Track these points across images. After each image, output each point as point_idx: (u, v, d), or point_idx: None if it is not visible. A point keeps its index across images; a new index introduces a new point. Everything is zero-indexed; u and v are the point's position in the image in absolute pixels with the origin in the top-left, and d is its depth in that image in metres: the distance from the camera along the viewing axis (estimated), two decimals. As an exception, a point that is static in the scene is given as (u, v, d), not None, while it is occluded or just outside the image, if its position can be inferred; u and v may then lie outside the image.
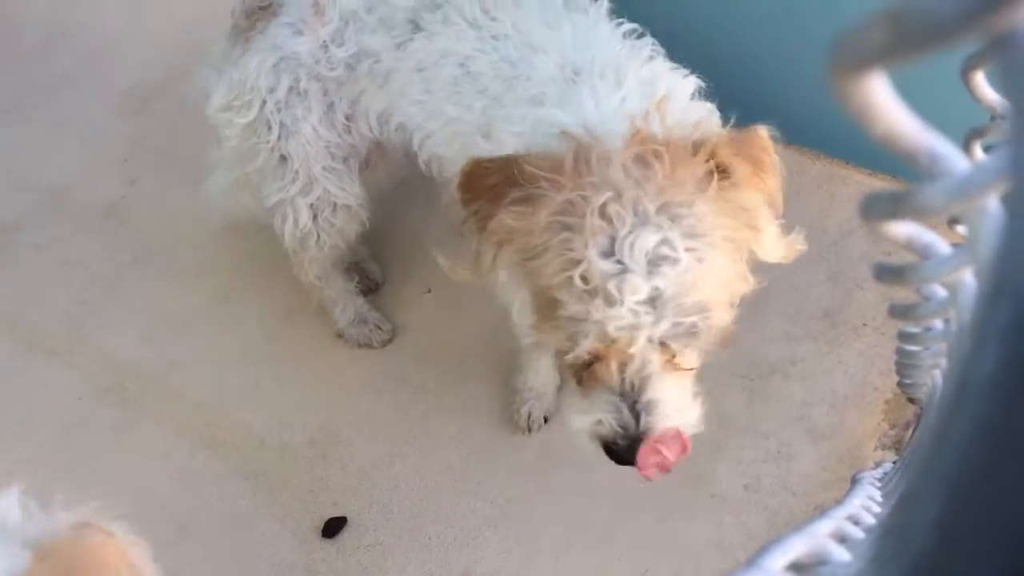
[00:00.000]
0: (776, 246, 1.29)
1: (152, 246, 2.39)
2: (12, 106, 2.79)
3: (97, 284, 2.33)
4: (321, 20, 1.68)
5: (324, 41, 1.67)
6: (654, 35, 1.51)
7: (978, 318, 0.37)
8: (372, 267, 2.26)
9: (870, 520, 1.14)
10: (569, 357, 1.24)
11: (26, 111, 2.77)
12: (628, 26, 1.53)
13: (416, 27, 1.63)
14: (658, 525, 1.82)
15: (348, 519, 1.89)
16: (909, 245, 0.60)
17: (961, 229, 0.88)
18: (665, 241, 1.14)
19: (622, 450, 1.28)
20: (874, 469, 1.67)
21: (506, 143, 1.47)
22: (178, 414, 2.08)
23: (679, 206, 1.15)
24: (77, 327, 2.25)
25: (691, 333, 1.19)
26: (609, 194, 1.15)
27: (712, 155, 1.18)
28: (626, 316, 1.15)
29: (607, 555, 1.82)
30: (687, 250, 1.15)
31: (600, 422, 1.27)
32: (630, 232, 1.13)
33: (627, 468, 1.79)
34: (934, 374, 1.15)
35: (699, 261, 1.16)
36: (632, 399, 1.24)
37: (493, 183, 1.26)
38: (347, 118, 1.74)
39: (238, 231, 2.19)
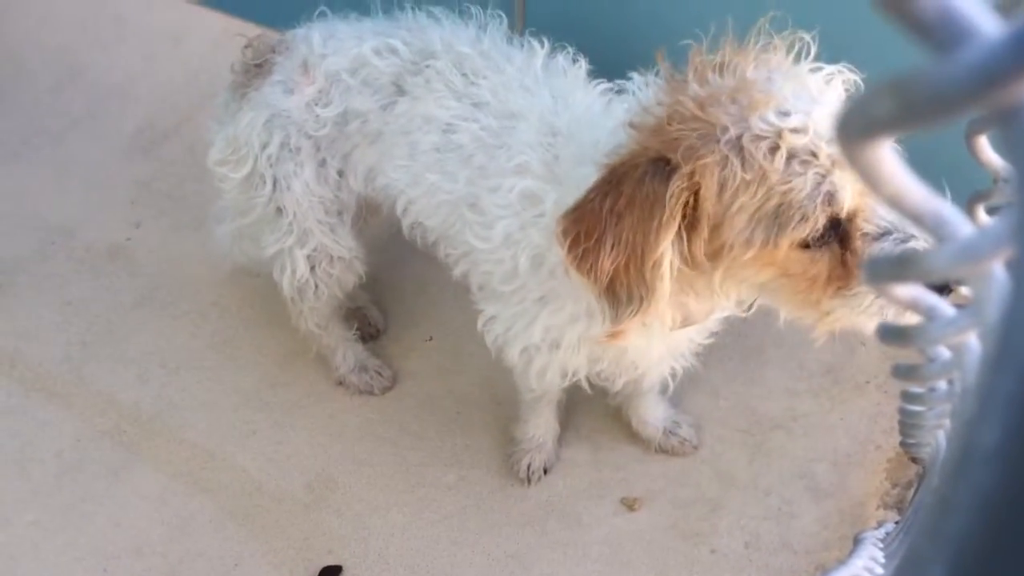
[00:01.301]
0: None
1: (154, 289, 2.39)
2: (21, 146, 2.82)
3: (98, 325, 2.33)
4: (308, 79, 1.70)
5: (309, 100, 1.69)
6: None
7: (983, 385, 0.37)
8: (374, 313, 2.27)
9: (873, 582, 1.13)
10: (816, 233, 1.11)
11: (34, 151, 2.80)
12: (605, 85, 1.52)
13: (400, 90, 1.65)
14: (657, 581, 1.80)
15: (343, 568, 1.87)
16: (913, 307, 0.60)
17: (965, 290, 0.89)
18: (804, 84, 1.10)
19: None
20: (876, 529, 1.66)
21: (495, 215, 1.48)
22: (175, 458, 2.06)
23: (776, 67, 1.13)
24: (77, 368, 2.24)
25: None
26: (724, 93, 1.10)
27: None
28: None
29: (605, 611, 1.80)
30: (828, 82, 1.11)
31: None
32: (772, 84, 1.09)
33: (624, 523, 1.78)
34: (937, 434, 1.14)
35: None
36: (898, 241, 1.09)
37: (601, 213, 1.15)
38: (339, 173, 1.76)
39: (240, 276, 2.20)
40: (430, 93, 1.60)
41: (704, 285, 1.23)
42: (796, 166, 1.06)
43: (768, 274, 1.17)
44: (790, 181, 1.06)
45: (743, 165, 1.07)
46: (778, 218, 1.09)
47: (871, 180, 0.40)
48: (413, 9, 1.73)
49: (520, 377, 1.73)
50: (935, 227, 0.45)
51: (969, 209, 0.92)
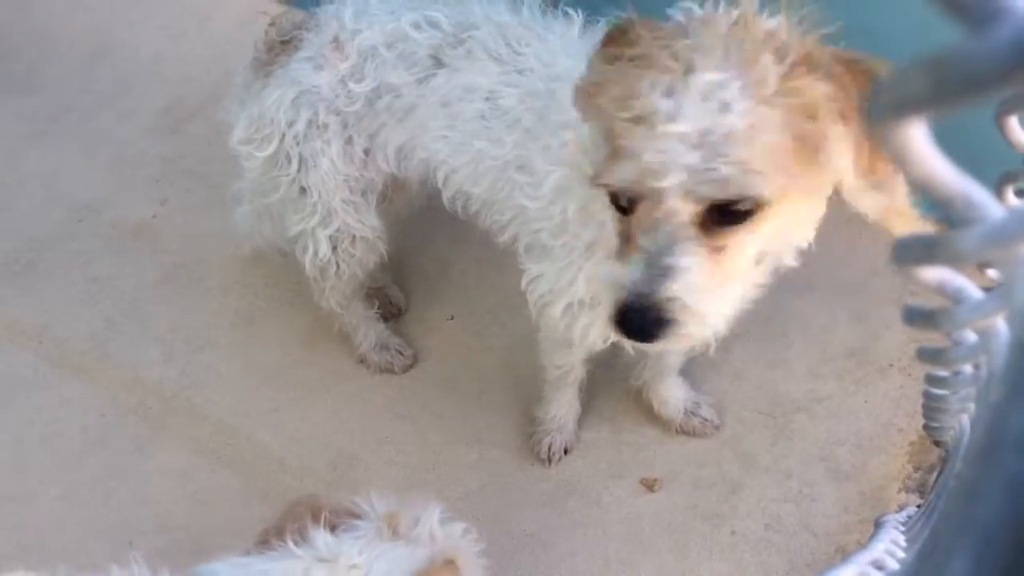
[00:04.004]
0: (861, 187, 1.17)
1: (179, 266, 2.41)
2: (49, 124, 2.84)
3: (124, 302, 2.35)
4: (341, 55, 1.70)
5: (343, 76, 1.69)
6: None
7: (1011, 369, 0.36)
8: (395, 293, 2.27)
9: (894, 566, 1.13)
10: (611, 192, 1.18)
11: (62, 129, 2.82)
12: None
13: (438, 63, 1.64)
14: (677, 563, 1.80)
15: (364, 545, 1.89)
16: (941, 290, 0.60)
17: (992, 273, 0.88)
18: (723, 85, 1.08)
19: (631, 314, 1.17)
20: (898, 512, 1.65)
21: (545, 172, 1.49)
22: (199, 434, 2.08)
23: (751, 63, 1.09)
24: (102, 344, 2.27)
25: (727, 186, 1.09)
26: (688, 42, 1.11)
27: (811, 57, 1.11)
28: (665, 147, 1.09)
29: (624, 591, 1.81)
30: (744, 100, 1.07)
31: (619, 287, 1.18)
32: (692, 71, 1.09)
33: (644, 504, 1.78)
34: (961, 419, 1.13)
35: (753, 121, 1.07)
36: (657, 263, 1.15)
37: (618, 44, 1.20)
38: (365, 152, 1.75)
39: (264, 254, 2.21)
40: (472, 63, 1.60)
41: None
42: (635, 124, 1.12)
43: None
44: (629, 134, 1.12)
45: (622, 89, 1.14)
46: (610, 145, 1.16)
47: (902, 160, 0.39)
48: None
49: (556, 345, 1.73)
50: (965, 209, 0.45)
51: (998, 191, 0.91)
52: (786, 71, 1.08)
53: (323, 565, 1.15)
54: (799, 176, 1.12)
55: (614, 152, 1.15)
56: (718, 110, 1.07)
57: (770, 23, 1.14)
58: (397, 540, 1.21)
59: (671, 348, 1.18)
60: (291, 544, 1.18)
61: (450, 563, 1.22)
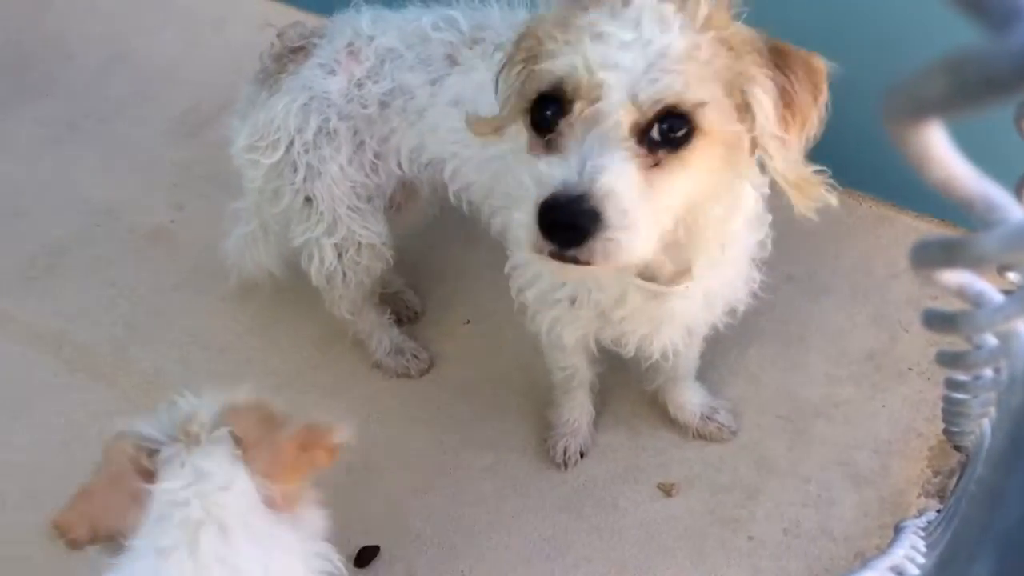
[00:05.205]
0: (775, 146, 1.19)
1: (196, 271, 2.42)
2: (67, 130, 2.86)
3: (141, 307, 2.36)
4: (356, 60, 1.71)
5: (359, 78, 1.70)
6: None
7: (1035, 373, 0.36)
8: (411, 297, 2.27)
9: (914, 571, 1.12)
10: (539, 95, 1.17)
11: (81, 135, 2.84)
12: None
13: (453, 62, 1.66)
14: (694, 568, 1.79)
15: (381, 548, 1.88)
16: (961, 293, 0.59)
17: (1013, 276, 0.87)
18: (661, 10, 1.12)
19: (559, 206, 1.09)
20: (918, 517, 1.64)
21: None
22: (216, 438, 2.09)
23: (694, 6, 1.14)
24: (121, 349, 2.28)
25: (666, 93, 1.10)
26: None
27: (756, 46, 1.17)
28: (609, 47, 1.10)
29: (641, 596, 1.80)
30: (680, 23, 1.12)
31: (544, 184, 1.11)
32: (631, 2, 1.13)
33: (661, 509, 1.77)
34: (982, 423, 1.12)
35: (690, 42, 1.11)
36: (586, 162, 1.09)
37: None
38: (375, 156, 1.76)
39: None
40: (487, 60, 1.61)
41: None
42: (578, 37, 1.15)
43: None
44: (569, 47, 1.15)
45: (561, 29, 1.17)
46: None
47: (921, 163, 0.39)
48: None
49: (550, 344, 1.73)
50: (985, 211, 0.44)
51: (1018, 193, 0.90)
52: (715, 10, 1.14)
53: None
54: (727, 113, 1.15)
55: (550, 54, 1.15)
56: (659, 29, 1.11)
57: None
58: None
59: (599, 264, 1.10)
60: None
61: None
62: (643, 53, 1.10)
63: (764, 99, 1.16)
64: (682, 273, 1.40)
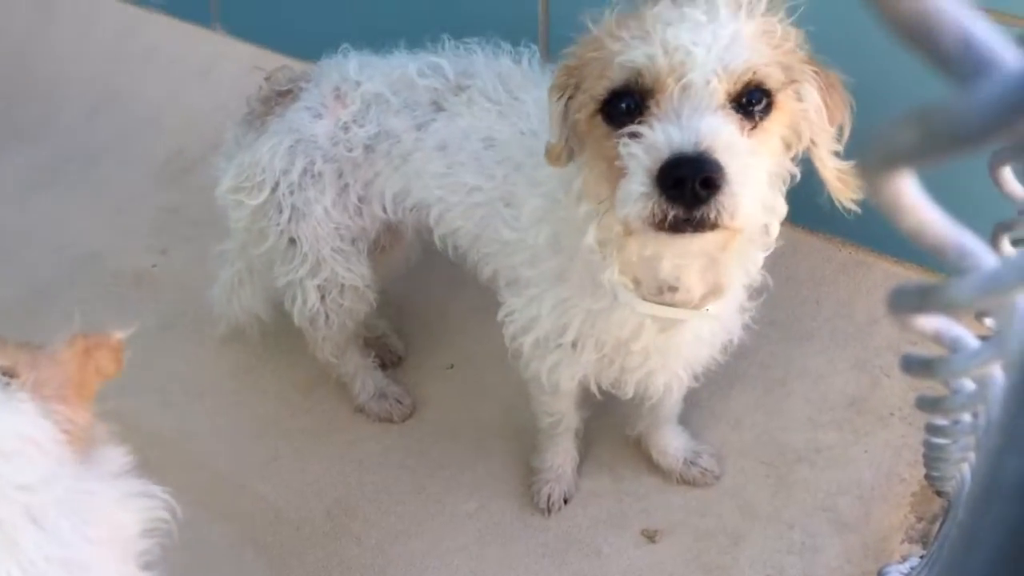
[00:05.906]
0: (828, 139, 1.25)
1: (178, 315, 2.41)
2: (52, 174, 2.86)
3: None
4: (342, 104, 1.73)
5: (345, 122, 1.72)
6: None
7: (1007, 417, 0.36)
8: (394, 341, 2.27)
9: (897, 618, 1.11)
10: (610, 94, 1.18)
11: (66, 178, 2.84)
12: None
13: (438, 108, 1.69)
14: (678, 614, 1.78)
15: (362, 597, 1.86)
16: (937, 338, 0.60)
17: (989, 322, 0.88)
18: (716, 5, 1.15)
19: (677, 166, 1.07)
20: (901, 563, 1.63)
21: (525, 197, 1.51)
22: (195, 484, 2.06)
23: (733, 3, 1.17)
24: (101, 392, 2.25)
25: (750, 71, 1.13)
26: None
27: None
28: (686, 35, 1.11)
29: (625, 644, 1.78)
30: (750, 15, 1.16)
31: (654, 151, 1.09)
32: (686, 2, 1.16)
33: (645, 555, 1.76)
34: (962, 468, 1.13)
35: (754, 30, 1.16)
36: (690, 125, 1.09)
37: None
38: (360, 199, 1.78)
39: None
40: (472, 108, 1.64)
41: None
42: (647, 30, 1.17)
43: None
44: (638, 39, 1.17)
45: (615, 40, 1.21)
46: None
47: (893, 211, 0.40)
48: (445, 42, 1.76)
49: (540, 389, 1.73)
50: (959, 258, 0.45)
51: (994, 240, 0.91)
52: (762, 11, 1.19)
53: None
54: (789, 96, 1.20)
55: (618, 53, 1.16)
56: (730, 13, 1.15)
57: None
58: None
59: (727, 224, 1.09)
60: None
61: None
62: (722, 32, 1.13)
63: (813, 92, 1.21)
64: (713, 292, 1.40)
